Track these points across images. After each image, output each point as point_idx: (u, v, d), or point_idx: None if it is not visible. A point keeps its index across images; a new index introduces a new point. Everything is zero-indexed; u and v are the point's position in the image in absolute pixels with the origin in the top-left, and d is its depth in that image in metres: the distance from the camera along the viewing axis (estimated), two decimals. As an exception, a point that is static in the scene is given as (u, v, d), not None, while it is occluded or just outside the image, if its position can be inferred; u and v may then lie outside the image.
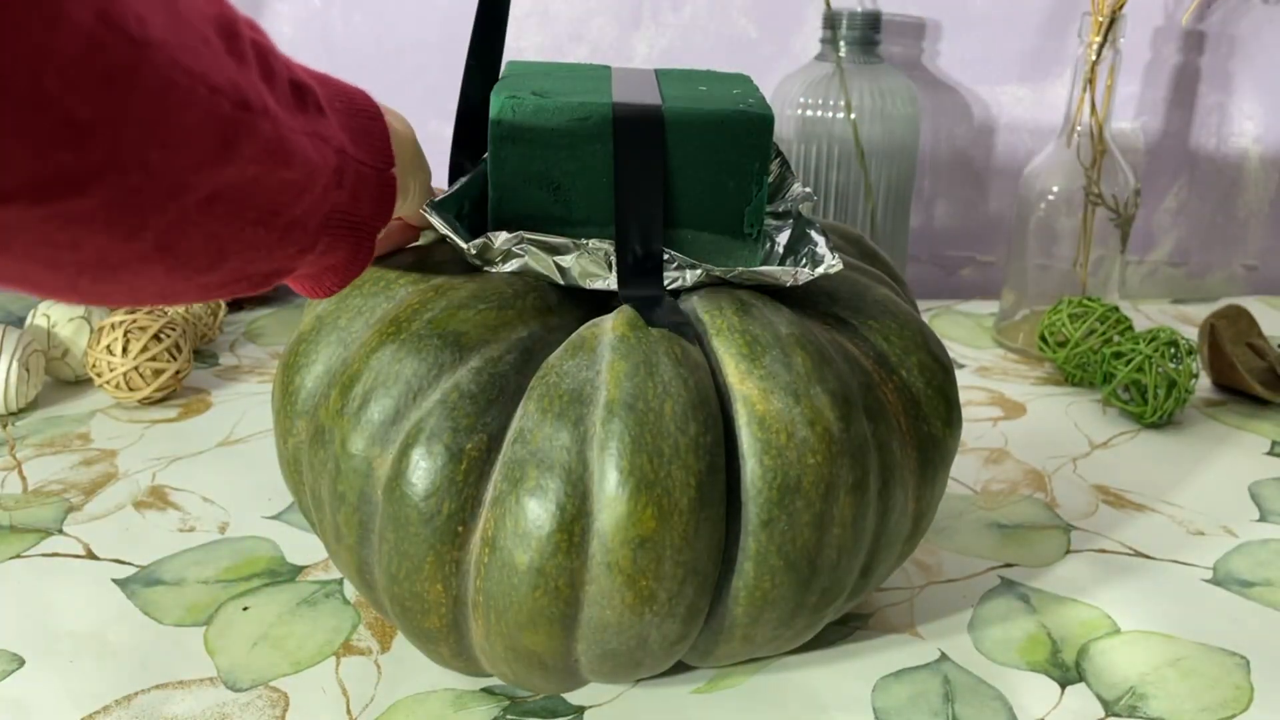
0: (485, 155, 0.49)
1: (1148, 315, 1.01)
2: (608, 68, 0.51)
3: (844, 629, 0.52)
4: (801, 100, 0.89)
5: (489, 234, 0.44)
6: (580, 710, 0.46)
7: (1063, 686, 0.48)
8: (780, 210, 0.50)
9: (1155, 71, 1.03)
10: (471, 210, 0.47)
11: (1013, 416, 0.76)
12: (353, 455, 0.41)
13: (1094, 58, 0.81)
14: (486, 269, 0.44)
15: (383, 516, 0.40)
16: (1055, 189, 0.85)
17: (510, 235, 0.44)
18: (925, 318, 0.96)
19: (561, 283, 0.44)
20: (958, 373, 0.84)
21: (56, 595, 0.53)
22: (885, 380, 0.45)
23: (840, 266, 0.45)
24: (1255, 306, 1.03)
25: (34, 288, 0.28)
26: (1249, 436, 0.74)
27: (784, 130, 0.90)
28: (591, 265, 0.44)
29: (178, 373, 0.72)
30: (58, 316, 0.75)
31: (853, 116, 0.87)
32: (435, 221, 0.43)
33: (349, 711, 0.45)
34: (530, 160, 0.45)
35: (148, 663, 0.48)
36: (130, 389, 0.72)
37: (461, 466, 0.39)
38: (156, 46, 0.25)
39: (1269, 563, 0.59)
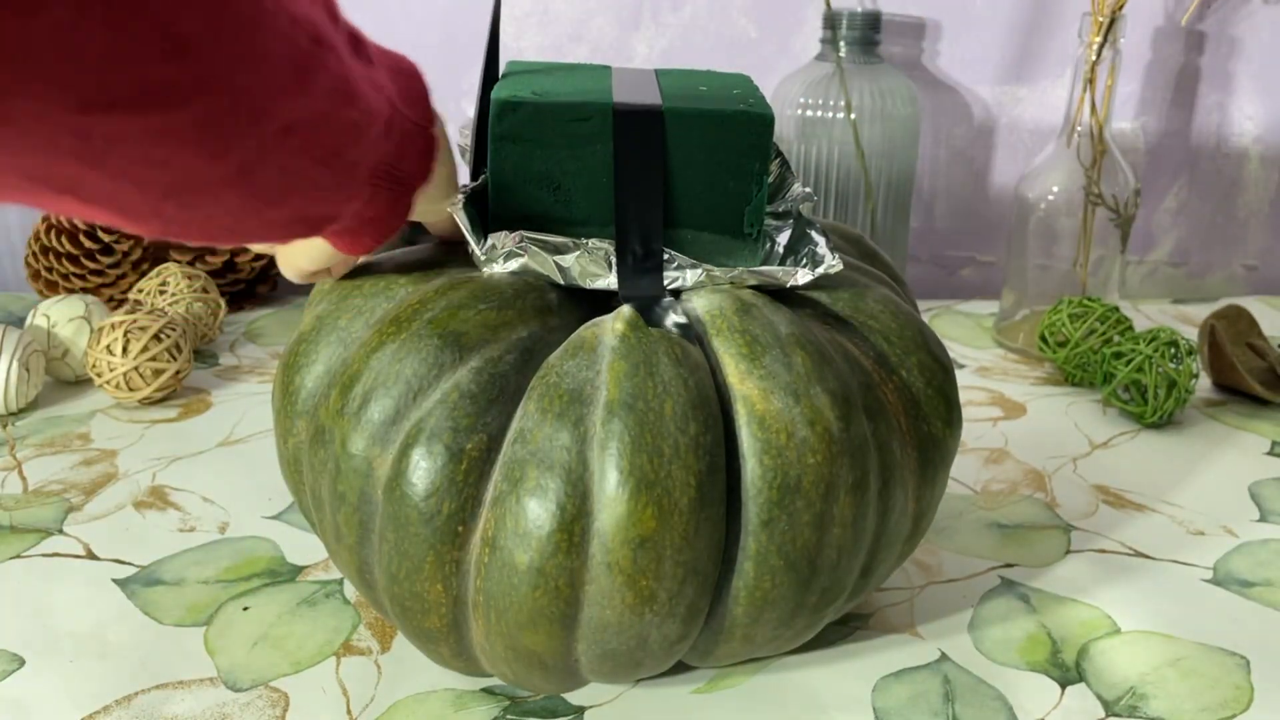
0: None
1: (1148, 315, 1.01)
2: (608, 68, 0.51)
3: (844, 629, 0.52)
4: (801, 100, 0.89)
5: (491, 234, 0.44)
6: (580, 710, 0.46)
7: (1063, 686, 0.48)
8: (780, 210, 0.50)
9: (1155, 71, 1.03)
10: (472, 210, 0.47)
11: (1013, 416, 0.76)
12: (353, 455, 0.41)
13: (1094, 58, 0.81)
14: (487, 269, 0.44)
15: (383, 516, 0.40)
16: (1055, 189, 0.85)
17: (511, 235, 0.44)
18: (925, 318, 0.96)
19: (562, 282, 0.44)
20: (958, 373, 0.84)
21: (56, 595, 0.53)
22: (885, 380, 0.45)
23: (840, 266, 0.45)
24: (1255, 306, 1.03)
25: (119, 211, 0.29)
26: (1249, 436, 0.74)
27: (784, 130, 0.90)
28: (592, 265, 0.44)
29: (178, 373, 0.72)
30: (58, 316, 0.75)
31: (853, 116, 0.87)
32: (458, 219, 0.43)
33: (349, 711, 0.45)
34: (530, 160, 0.44)
35: (148, 663, 0.48)
36: (130, 389, 0.72)
37: (461, 466, 0.39)
38: None
39: (1269, 563, 0.59)
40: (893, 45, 1.00)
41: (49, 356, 0.75)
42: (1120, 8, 0.80)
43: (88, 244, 0.88)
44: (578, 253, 0.44)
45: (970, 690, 0.48)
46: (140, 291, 0.82)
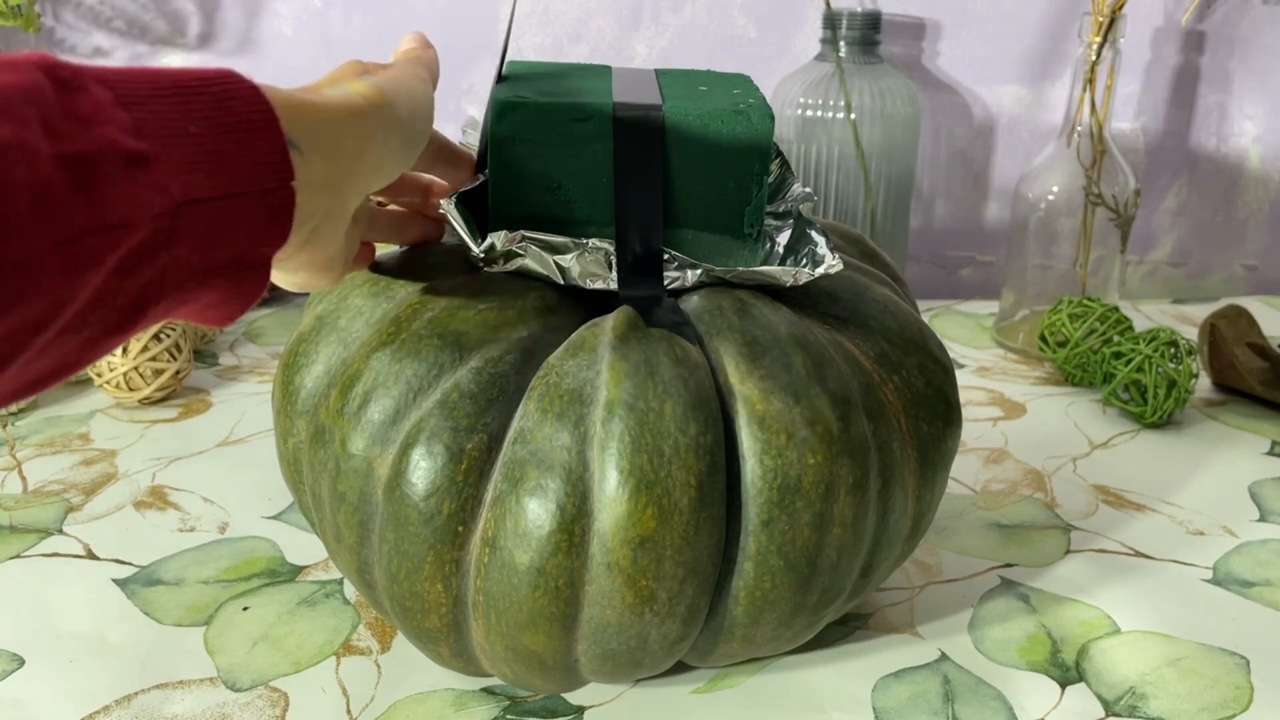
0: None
1: (1148, 315, 1.01)
2: (608, 68, 0.51)
3: (844, 629, 0.52)
4: (801, 100, 0.89)
5: (490, 234, 0.44)
6: (580, 710, 0.46)
7: (1063, 686, 0.48)
8: (780, 210, 0.50)
9: (1155, 71, 1.03)
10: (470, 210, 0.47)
11: (1013, 416, 0.76)
12: (353, 455, 0.41)
13: (1094, 58, 0.81)
14: (487, 269, 0.44)
15: (383, 516, 0.40)
16: (1055, 189, 0.85)
17: (511, 235, 0.44)
18: (925, 318, 0.96)
19: (562, 282, 0.44)
20: (958, 373, 0.84)
21: (56, 595, 0.53)
22: (885, 380, 0.45)
23: (840, 266, 0.45)
24: (1255, 306, 1.03)
25: None
26: (1249, 436, 0.74)
27: (784, 130, 0.90)
28: (592, 265, 0.44)
29: (178, 373, 0.72)
30: (58, 316, 0.75)
31: (853, 116, 0.87)
32: (452, 217, 0.43)
33: (349, 711, 0.45)
34: (530, 160, 0.44)
35: (148, 663, 0.48)
36: (130, 389, 0.72)
37: (461, 466, 0.39)
38: None
39: (1269, 563, 0.59)
40: (893, 45, 1.00)
41: (49, 356, 0.75)
42: (1120, 8, 0.80)
43: (88, 244, 0.88)
44: (578, 253, 0.44)
45: (970, 690, 0.48)
46: (140, 291, 0.82)
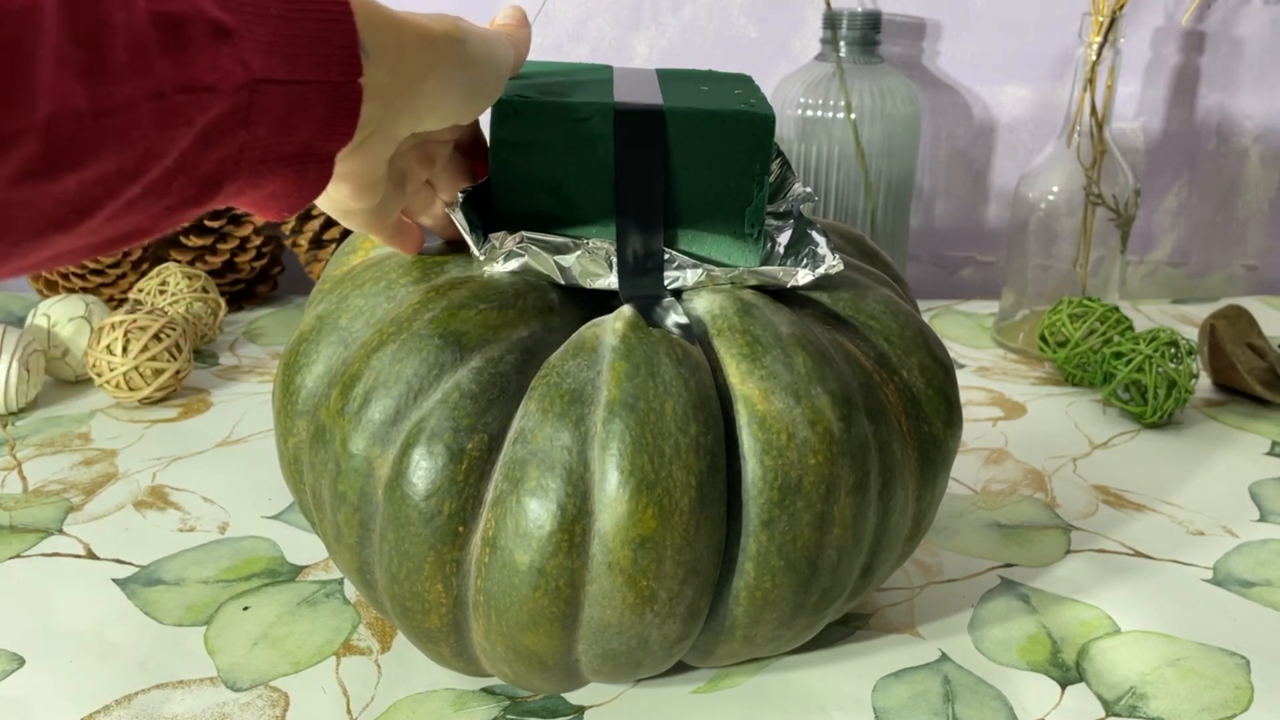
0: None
1: (1148, 315, 1.01)
2: (608, 67, 0.51)
3: (844, 629, 0.52)
4: (801, 100, 0.89)
5: (491, 234, 0.44)
6: (580, 710, 0.46)
7: (1063, 686, 0.48)
8: (780, 210, 0.50)
9: (1155, 71, 1.03)
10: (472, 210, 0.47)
11: (1013, 416, 0.76)
12: (353, 455, 0.41)
13: (1094, 58, 0.81)
14: (487, 269, 0.44)
15: (383, 516, 0.40)
16: (1055, 189, 0.85)
17: (511, 235, 0.44)
18: (925, 318, 0.96)
19: (562, 282, 0.44)
20: (958, 373, 0.84)
21: (56, 595, 0.53)
22: (886, 381, 0.45)
23: (840, 266, 0.45)
24: (1255, 306, 1.03)
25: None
26: (1249, 436, 0.74)
27: (784, 130, 0.90)
28: (592, 265, 0.44)
29: (178, 373, 0.72)
30: (58, 316, 0.75)
31: (853, 116, 0.87)
32: (455, 220, 0.43)
33: (349, 711, 0.45)
34: (531, 160, 0.44)
35: (148, 663, 0.48)
36: (130, 389, 0.71)
37: (462, 466, 0.39)
38: None
39: (1269, 563, 0.59)
40: (893, 45, 1.00)
41: (49, 356, 0.75)
42: (1120, 8, 0.80)
43: (87, 244, 0.87)
44: (578, 253, 0.44)
45: (970, 690, 0.48)
46: (140, 291, 0.82)
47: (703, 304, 0.44)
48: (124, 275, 0.89)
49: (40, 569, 0.55)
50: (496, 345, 0.41)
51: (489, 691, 0.47)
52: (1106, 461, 0.70)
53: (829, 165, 0.89)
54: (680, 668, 0.48)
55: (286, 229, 0.93)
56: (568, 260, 0.44)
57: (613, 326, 0.42)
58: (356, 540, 0.42)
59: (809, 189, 0.50)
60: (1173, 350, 0.73)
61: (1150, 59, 1.03)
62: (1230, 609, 0.54)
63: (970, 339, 0.92)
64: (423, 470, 0.39)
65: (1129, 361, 0.74)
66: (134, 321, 0.71)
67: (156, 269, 0.83)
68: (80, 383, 0.77)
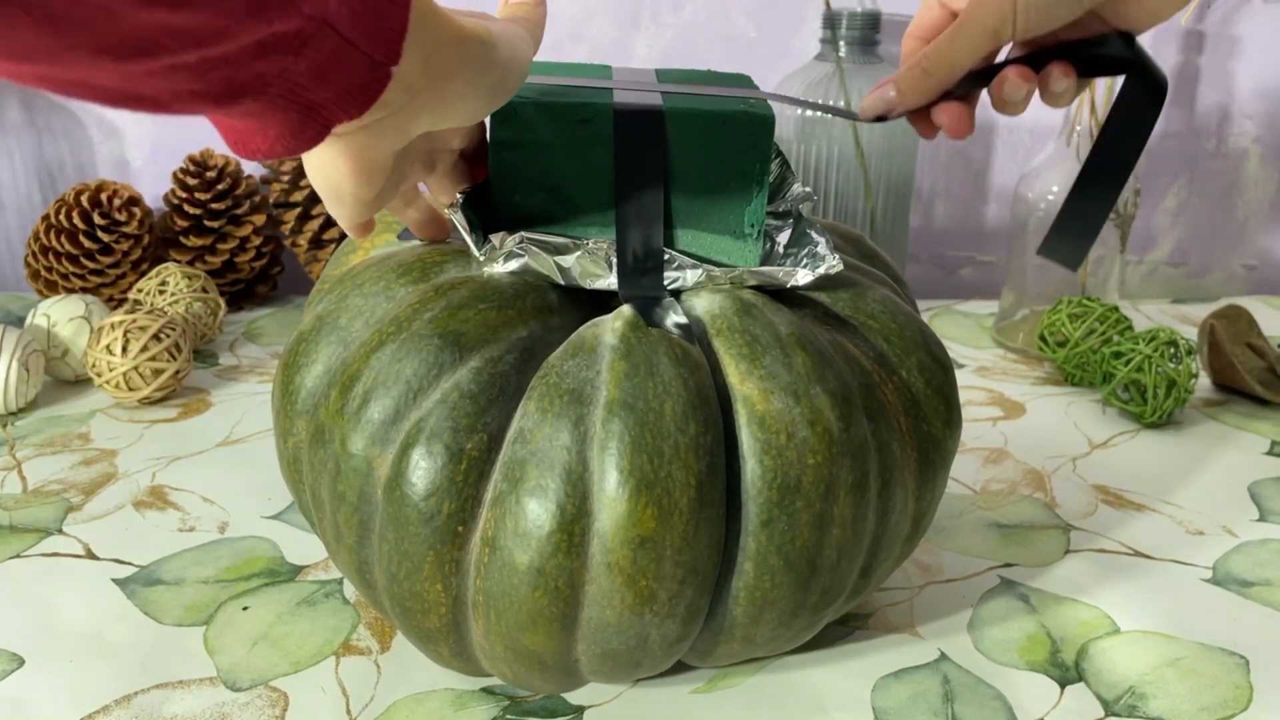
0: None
1: (1148, 315, 1.01)
2: (608, 67, 0.51)
3: (844, 629, 0.52)
4: (801, 100, 0.89)
5: (491, 234, 0.44)
6: (580, 710, 0.46)
7: (1062, 686, 0.48)
8: (780, 210, 0.50)
9: (1155, 71, 1.03)
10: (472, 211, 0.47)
11: (1012, 416, 0.76)
12: (353, 455, 0.41)
13: (1094, 58, 0.81)
14: (487, 269, 0.44)
15: (383, 516, 0.40)
16: (1055, 189, 0.85)
17: (511, 235, 0.44)
18: (925, 318, 0.96)
19: (562, 282, 0.44)
20: (958, 373, 0.84)
21: (56, 595, 0.53)
22: (885, 380, 0.45)
23: (840, 266, 0.45)
24: (1255, 306, 1.03)
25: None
26: (1249, 436, 0.74)
27: (784, 130, 0.90)
28: (592, 265, 0.44)
29: (178, 373, 0.72)
30: (58, 316, 0.75)
31: (853, 116, 0.87)
32: (455, 220, 0.43)
33: (349, 711, 0.45)
34: (531, 160, 0.45)
35: (147, 663, 0.48)
36: (130, 389, 0.72)
37: (461, 466, 0.39)
38: None
39: (1269, 562, 0.59)
40: (893, 45, 1.00)
41: (49, 356, 0.75)
42: (1120, 8, 0.80)
43: (87, 244, 0.88)
44: (578, 253, 0.44)
45: (970, 690, 0.48)
46: (140, 291, 0.82)
47: (702, 304, 0.44)
48: (124, 275, 0.89)
49: (40, 569, 0.55)
50: (496, 345, 0.41)
51: (488, 691, 0.47)
52: (1106, 461, 0.70)
53: (829, 165, 0.89)
54: (680, 668, 0.48)
55: (286, 229, 0.93)
56: (567, 261, 0.44)
57: (612, 326, 0.42)
58: (356, 540, 0.42)
59: (808, 189, 0.50)
60: (1172, 350, 0.73)
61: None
62: (1230, 609, 0.54)
63: (970, 339, 0.92)
64: (422, 470, 0.39)
65: (1129, 361, 0.74)
66: (134, 321, 0.71)
67: (156, 269, 0.83)
68: (80, 383, 0.77)
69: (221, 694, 0.46)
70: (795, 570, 0.41)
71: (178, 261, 0.91)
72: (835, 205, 0.91)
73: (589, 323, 0.43)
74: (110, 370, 0.71)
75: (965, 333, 0.93)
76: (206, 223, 0.91)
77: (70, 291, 0.88)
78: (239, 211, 0.92)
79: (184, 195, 0.91)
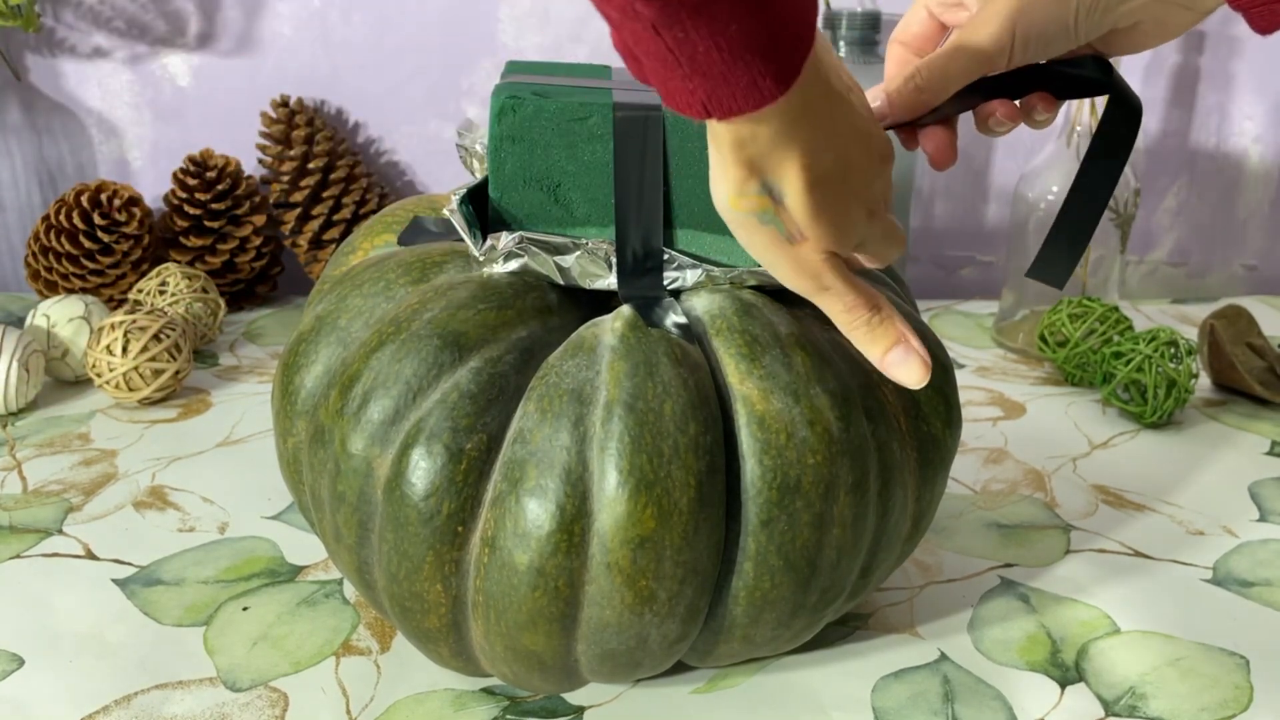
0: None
1: (1148, 315, 1.01)
2: (608, 67, 0.51)
3: (844, 629, 0.52)
4: (801, 100, 0.89)
5: (491, 234, 0.44)
6: (580, 710, 0.46)
7: (1062, 686, 0.48)
8: (780, 210, 0.50)
9: (1155, 71, 1.03)
10: (472, 211, 0.47)
11: (1012, 416, 0.76)
12: (352, 455, 0.41)
13: (1094, 58, 0.81)
14: (487, 269, 0.44)
15: (382, 516, 0.40)
16: (1055, 189, 0.85)
17: (511, 235, 0.44)
18: (925, 318, 0.96)
19: (561, 282, 0.44)
20: (958, 373, 0.84)
21: (56, 595, 0.53)
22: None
23: (840, 266, 0.45)
24: (1255, 306, 1.03)
25: None
26: (1249, 436, 0.74)
27: (784, 130, 0.90)
28: (591, 265, 0.44)
29: (178, 373, 0.72)
30: (57, 317, 0.75)
31: (853, 116, 0.87)
32: (454, 221, 0.43)
33: (349, 711, 0.45)
34: (530, 160, 0.44)
35: (147, 663, 0.48)
36: (130, 389, 0.72)
37: (461, 466, 0.39)
38: None
39: (1269, 563, 0.59)
40: (892, 45, 1.00)
41: (49, 356, 0.75)
42: (1120, 8, 0.80)
43: (87, 244, 0.88)
44: (578, 253, 0.44)
45: (970, 690, 0.48)
46: (140, 291, 0.82)
47: (702, 304, 0.44)
48: (124, 276, 0.89)
49: (40, 569, 0.55)
50: (495, 345, 0.41)
51: (488, 691, 0.47)
52: (1106, 461, 0.70)
53: (829, 165, 0.89)
54: (679, 668, 0.48)
55: (286, 229, 0.93)
56: (567, 261, 0.44)
57: (611, 326, 0.42)
58: (356, 540, 0.42)
59: (808, 189, 0.50)
60: (1172, 350, 0.73)
61: (1149, 59, 1.03)
62: (1230, 609, 0.54)
63: (970, 339, 0.92)
64: (422, 470, 0.39)
65: (1129, 361, 0.74)
66: (134, 322, 0.71)
67: (156, 269, 0.83)
68: (80, 383, 0.77)
69: (221, 694, 0.46)
70: (795, 570, 0.41)
71: (178, 262, 0.91)
72: (835, 205, 0.90)
73: (588, 323, 0.43)
74: (110, 370, 0.71)
75: (965, 333, 0.93)
76: (206, 223, 0.91)
77: (70, 292, 0.88)
78: (239, 212, 0.92)
79: (184, 195, 0.91)
